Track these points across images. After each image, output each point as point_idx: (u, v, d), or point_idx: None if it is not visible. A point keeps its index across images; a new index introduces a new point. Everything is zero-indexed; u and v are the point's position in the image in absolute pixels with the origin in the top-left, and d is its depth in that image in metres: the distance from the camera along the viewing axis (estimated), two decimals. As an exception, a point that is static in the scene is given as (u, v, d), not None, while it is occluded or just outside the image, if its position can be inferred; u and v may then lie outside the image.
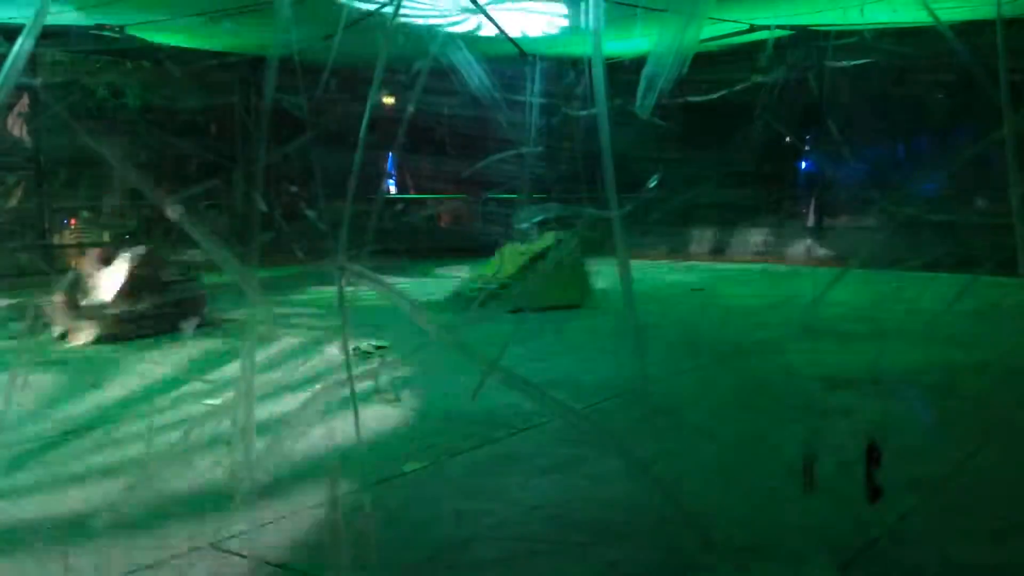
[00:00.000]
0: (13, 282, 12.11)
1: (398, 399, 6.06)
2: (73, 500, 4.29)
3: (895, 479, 3.93)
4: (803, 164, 16.75)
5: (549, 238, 11.07)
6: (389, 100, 15.38)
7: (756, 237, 16.46)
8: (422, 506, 4.19)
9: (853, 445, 4.07)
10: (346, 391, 3.12)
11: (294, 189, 15.19)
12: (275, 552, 3.65)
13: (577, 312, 10.03)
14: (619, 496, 4.23)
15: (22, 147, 14.18)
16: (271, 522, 3.95)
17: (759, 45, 13.55)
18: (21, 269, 13.29)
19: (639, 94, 4.28)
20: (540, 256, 10.53)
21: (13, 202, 14.65)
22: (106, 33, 12.53)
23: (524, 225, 12.55)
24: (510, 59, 14.46)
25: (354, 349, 7.10)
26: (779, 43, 13.56)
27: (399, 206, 18.68)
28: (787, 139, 15.73)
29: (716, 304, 11.29)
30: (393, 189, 19.38)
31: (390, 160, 18.40)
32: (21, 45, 2.69)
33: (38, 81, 13.79)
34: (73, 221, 15.65)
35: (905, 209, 10.68)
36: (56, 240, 14.92)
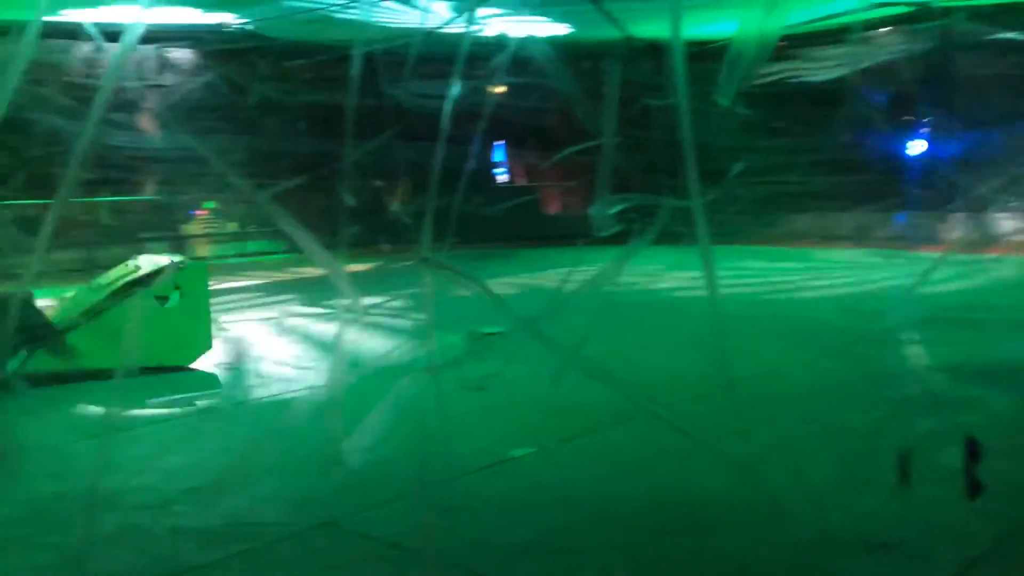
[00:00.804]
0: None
1: (482, 387, 6.07)
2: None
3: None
4: (910, 146, 16.00)
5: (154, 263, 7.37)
6: (500, 90, 15.23)
7: (855, 222, 15.85)
8: (528, 491, 4.19)
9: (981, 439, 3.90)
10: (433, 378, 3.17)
11: (379, 184, 15.40)
12: (386, 531, 3.70)
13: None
14: (719, 489, 4.09)
15: (151, 143, 14.78)
16: (383, 504, 4.01)
17: (850, 27, 13.10)
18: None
19: (721, 81, 4.20)
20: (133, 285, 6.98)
21: (148, 195, 15.33)
22: (233, 30, 12.75)
23: (602, 215, 12.09)
24: (586, 51, 14.35)
25: (468, 333, 7.07)
26: (879, 23, 13.07)
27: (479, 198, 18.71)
28: (889, 122, 15.13)
29: (825, 293, 10.83)
30: (505, 178, 19.36)
31: (501, 150, 18.44)
32: (124, 45, 2.78)
33: (152, 79, 14.27)
34: (201, 212, 16.14)
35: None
36: (186, 231, 15.56)
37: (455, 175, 3.55)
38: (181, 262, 7.21)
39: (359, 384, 5.47)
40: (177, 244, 14.97)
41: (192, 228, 16.02)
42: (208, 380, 6.96)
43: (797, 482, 4.16)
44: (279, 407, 5.85)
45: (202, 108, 15.02)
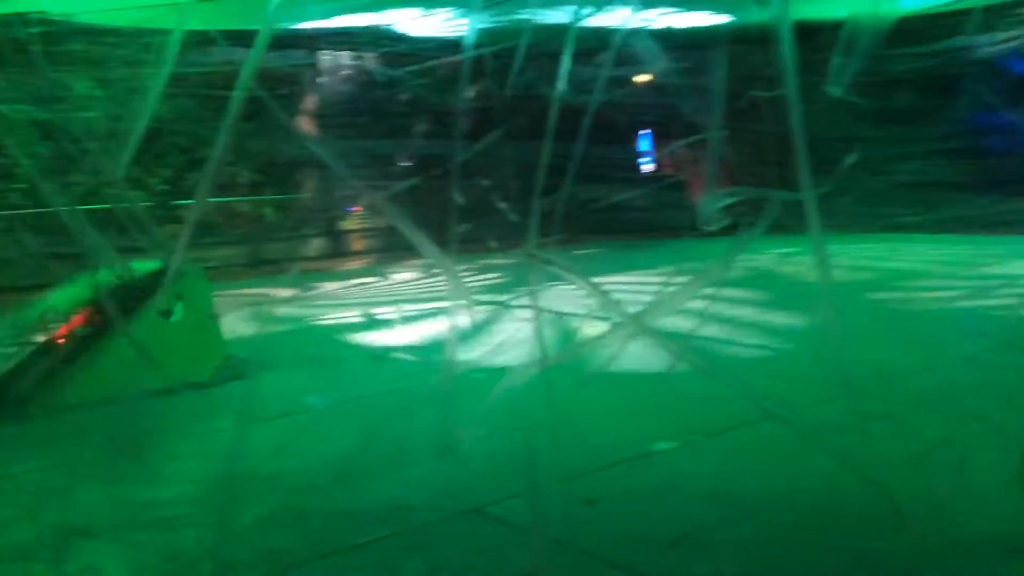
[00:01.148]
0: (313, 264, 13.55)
1: (586, 381, 6.07)
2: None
3: None
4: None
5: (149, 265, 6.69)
6: (645, 78, 15.05)
7: (977, 211, 15.07)
8: (672, 485, 4.18)
9: None
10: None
11: (487, 183, 15.48)
12: (529, 520, 3.71)
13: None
14: (870, 487, 3.93)
15: (313, 142, 15.42)
16: (524, 493, 4.00)
17: (965, 12, 12.52)
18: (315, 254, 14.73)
19: (832, 70, 4.08)
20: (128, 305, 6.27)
21: (306, 193, 16.01)
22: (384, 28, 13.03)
23: (710, 209, 11.84)
24: (695, 42, 14.09)
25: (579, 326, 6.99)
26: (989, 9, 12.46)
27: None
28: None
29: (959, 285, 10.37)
30: (651, 167, 19.23)
31: (648, 139, 18.33)
32: (255, 49, 2.90)
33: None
34: (357, 208, 16.67)
35: None
36: (343, 227, 16.18)
37: (593, 168, 3.55)
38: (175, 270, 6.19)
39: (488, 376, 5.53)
40: (334, 239, 15.63)
41: (348, 223, 16.52)
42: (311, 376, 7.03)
43: (958, 482, 4.00)
44: (412, 397, 5.94)
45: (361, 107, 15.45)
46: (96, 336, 6.26)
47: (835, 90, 4.26)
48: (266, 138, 12.47)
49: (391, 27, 13.42)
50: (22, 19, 9.79)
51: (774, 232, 3.90)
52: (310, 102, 16.06)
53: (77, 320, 6.43)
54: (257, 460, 4.74)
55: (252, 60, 3.66)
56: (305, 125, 15.79)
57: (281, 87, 14.59)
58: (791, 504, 3.92)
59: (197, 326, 6.60)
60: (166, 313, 6.43)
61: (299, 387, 6.58)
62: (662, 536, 3.61)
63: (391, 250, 15.15)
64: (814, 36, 8.34)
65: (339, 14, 12.51)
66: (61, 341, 6.37)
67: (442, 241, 3.37)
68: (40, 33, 9.96)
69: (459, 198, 4.03)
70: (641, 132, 18.50)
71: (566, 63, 3.81)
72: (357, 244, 16.22)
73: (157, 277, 6.32)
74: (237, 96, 3.63)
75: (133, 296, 6.26)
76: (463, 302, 3.33)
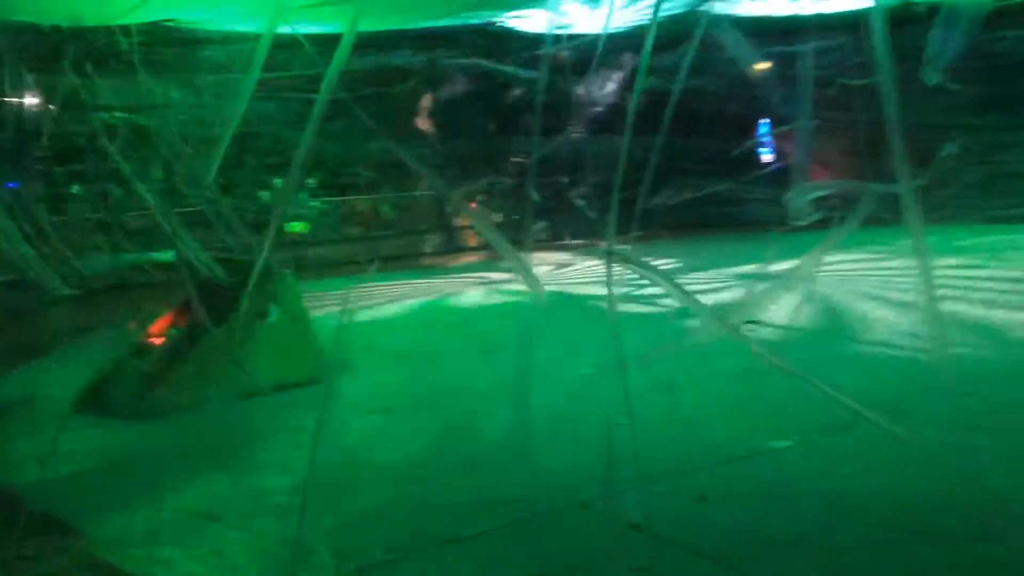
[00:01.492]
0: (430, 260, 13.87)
1: (646, 362, 5.91)
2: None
3: None
4: None
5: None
6: (764, 66, 14.71)
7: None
8: (787, 484, 4.05)
9: None
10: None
11: (564, 180, 15.41)
12: (638, 515, 3.68)
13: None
14: (992, 493, 3.72)
15: (427, 141, 15.72)
16: (635, 488, 3.96)
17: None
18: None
19: (927, 57, 3.83)
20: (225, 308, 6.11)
21: (419, 191, 16.28)
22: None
23: (799, 202, 11.31)
24: (780, 33, 13.68)
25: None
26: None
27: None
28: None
29: None
30: (770, 158, 18.78)
31: (766, 129, 17.98)
32: (338, 55, 2.86)
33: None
34: (473, 205, 16.85)
35: None
36: (456, 223, 16.41)
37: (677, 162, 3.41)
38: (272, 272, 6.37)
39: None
40: (449, 235, 15.87)
41: (463, 220, 16.66)
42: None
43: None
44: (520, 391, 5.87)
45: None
46: (191, 337, 6.29)
47: (932, 77, 3.98)
48: (347, 140, 12.64)
49: (497, 25, 13.35)
50: (124, 29, 10.11)
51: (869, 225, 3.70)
52: (420, 101, 16.21)
53: (171, 321, 6.56)
54: (366, 452, 4.87)
55: (336, 63, 3.64)
56: (418, 124, 15.98)
57: (387, 87, 14.69)
58: (911, 506, 3.73)
59: (291, 326, 6.57)
60: (261, 315, 6.39)
61: (403, 381, 6.66)
62: (776, 536, 3.49)
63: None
64: (910, 21, 7.94)
65: (444, 14, 12.53)
66: (157, 342, 6.49)
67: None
68: (140, 43, 10.27)
69: (535, 195, 3.92)
70: (761, 120, 17.93)
71: (646, 56, 3.66)
72: (472, 240, 16.32)
73: (244, 278, 5.94)
74: (320, 100, 3.61)
75: (223, 296, 6.19)
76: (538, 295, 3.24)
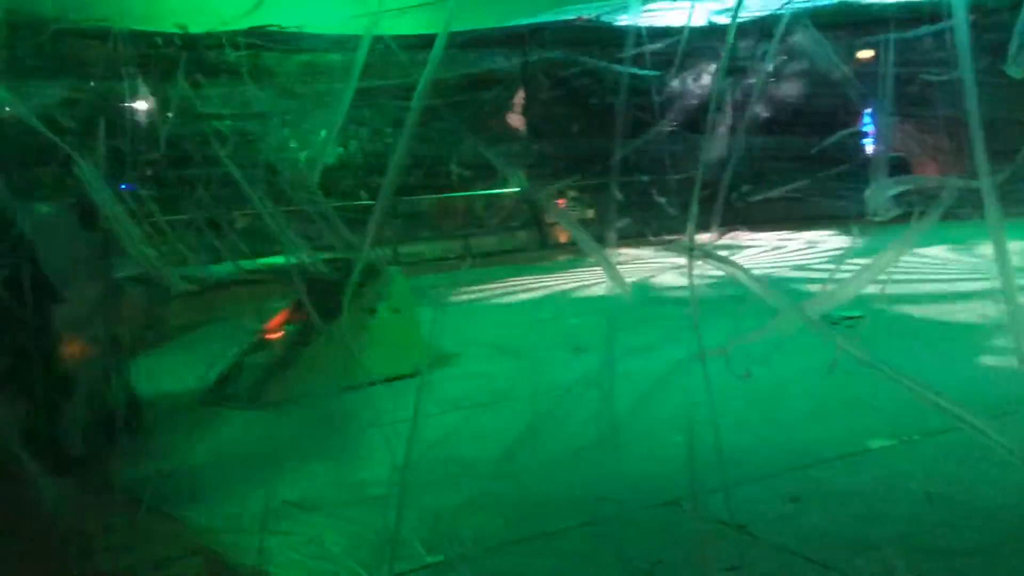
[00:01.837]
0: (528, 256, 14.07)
1: (748, 374, 5.87)
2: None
3: None
4: None
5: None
6: (868, 54, 14.33)
7: None
8: (884, 485, 3.97)
9: None
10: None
11: (645, 178, 15.34)
12: (729, 515, 3.62)
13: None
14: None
15: (520, 138, 15.94)
16: (726, 487, 3.89)
17: None
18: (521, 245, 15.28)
19: (1012, 49, 3.76)
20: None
21: (512, 187, 16.50)
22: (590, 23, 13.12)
23: (879, 197, 10.96)
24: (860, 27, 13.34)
25: (822, 317, 6.73)
26: None
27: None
28: None
29: None
30: (877, 148, 18.37)
31: (872, 119, 17.59)
32: (359, 54, 3.01)
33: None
34: (561, 201, 17.00)
35: None
36: (547, 220, 16.55)
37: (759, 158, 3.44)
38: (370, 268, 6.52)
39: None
40: (540, 232, 15.99)
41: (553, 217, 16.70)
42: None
43: None
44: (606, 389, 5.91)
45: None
46: (305, 332, 6.54)
47: (1015, 71, 3.92)
48: (443, 141, 12.83)
49: (586, 20, 13.31)
50: (232, 41, 10.53)
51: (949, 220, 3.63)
52: (513, 100, 16.27)
53: (286, 318, 6.84)
54: (456, 445, 4.91)
55: (430, 66, 3.76)
56: (515, 123, 16.08)
57: (481, 90, 14.81)
58: (1017, 512, 3.58)
59: (398, 321, 6.75)
60: (372, 311, 6.60)
61: (493, 375, 6.76)
62: (872, 537, 3.41)
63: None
64: (991, 14, 7.69)
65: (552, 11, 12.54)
66: (274, 337, 6.76)
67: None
68: (248, 54, 10.67)
69: (618, 194, 4.00)
70: (866, 110, 17.39)
71: (726, 55, 3.70)
72: (563, 236, 16.30)
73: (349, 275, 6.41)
74: (414, 107, 3.75)
75: (331, 293, 6.30)
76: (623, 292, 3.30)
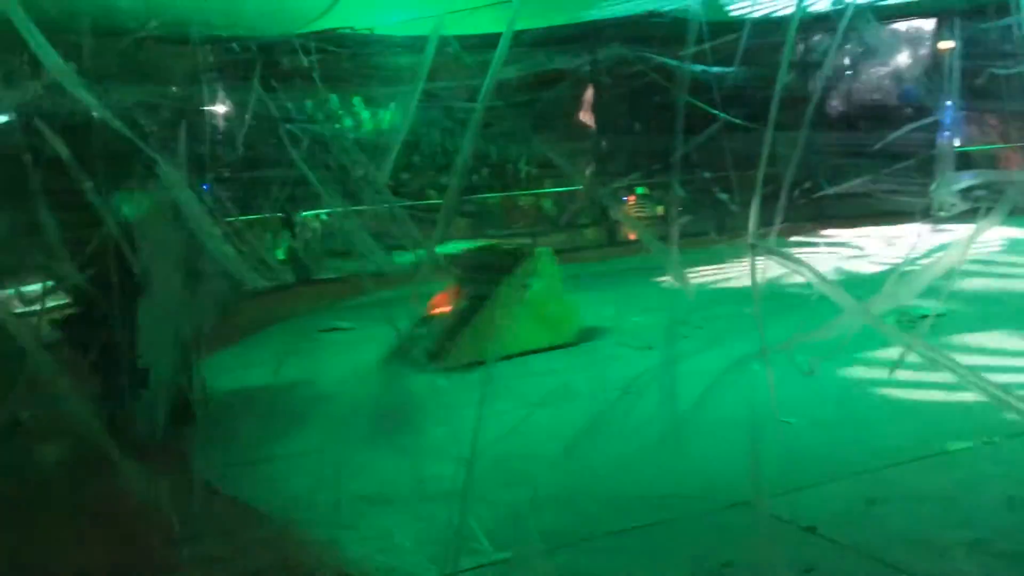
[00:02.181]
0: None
1: (812, 371, 5.74)
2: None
3: None
4: None
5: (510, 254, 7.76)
6: (949, 45, 13.89)
7: None
8: (966, 487, 3.84)
9: None
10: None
11: (707, 175, 15.05)
12: (802, 516, 3.58)
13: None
14: None
15: (590, 135, 15.94)
16: (801, 488, 3.88)
17: None
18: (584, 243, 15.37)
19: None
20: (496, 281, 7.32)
21: (583, 184, 16.51)
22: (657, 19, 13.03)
23: (944, 194, 10.61)
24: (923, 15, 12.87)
25: (901, 315, 6.35)
26: None
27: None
28: None
29: None
30: (956, 142, 17.90)
31: (948, 112, 17.13)
32: (427, 53, 3.00)
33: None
34: (631, 198, 16.90)
35: None
36: (616, 216, 16.50)
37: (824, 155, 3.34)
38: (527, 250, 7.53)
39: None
40: (608, 229, 15.99)
41: (622, 213, 16.61)
42: None
43: None
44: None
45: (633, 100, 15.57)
46: (469, 308, 7.32)
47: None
48: (512, 139, 12.80)
49: (652, 14, 13.10)
50: (303, 46, 10.70)
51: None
52: (588, 98, 16.17)
53: (448, 296, 7.47)
54: (524, 440, 4.89)
55: (493, 67, 3.75)
56: (584, 120, 16.00)
57: (549, 87, 14.69)
58: None
59: (550, 298, 7.41)
60: (524, 287, 7.31)
61: (564, 372, 6.67)
62: (948, 541, 3.28)
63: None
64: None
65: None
66: (439, 312, 7.48)
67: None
68: (319, 58, 10.84)
69: (680, 190, 3.93)
70: (946, 103, 16.79)
71: (788, 50, 3.61)
72: (632, 234, 16.19)
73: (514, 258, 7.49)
74: (479, 108, 3.74)
75: (494, 273, 7.38)
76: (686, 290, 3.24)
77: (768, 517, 3.37)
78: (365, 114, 14.01)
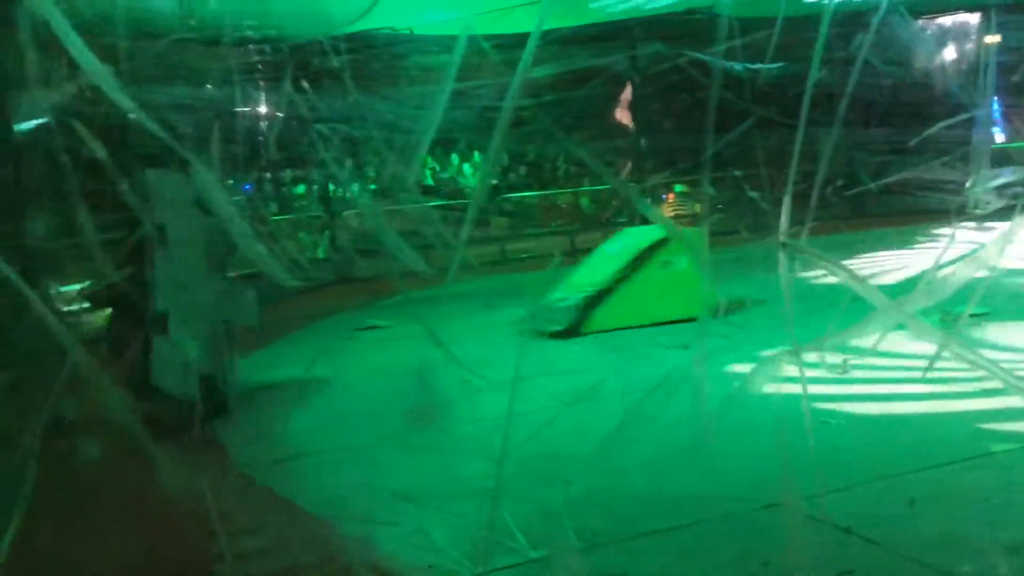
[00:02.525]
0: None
1: (846, 370, 5.67)
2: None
3: None
4: None
5: (652, 234, 8.38)
6: (995, 39, 13.63)
7: None
8: (1010, 489, 3.73)
9: None
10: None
11: (738, 173, 14.88)
12: (841, 517, 3.52)
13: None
14: None
15: (627, 133, 15.87)
16: (839, 490, 3.80)
17: None
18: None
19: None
20: (642, 258, 8.21)
21: (617, 183, 16.40)
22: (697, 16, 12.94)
23: (980, 190, 10.34)
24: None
25: (944, 314, 6.15)
26: None
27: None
28: None
29: None
30: (1001, 137, 17.56)
31: (995, 107, 16.80)
32: (456, 54, 2.99)
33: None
34: (670, 196, 16.66)
35: None
36: (647, 214, 16.34)
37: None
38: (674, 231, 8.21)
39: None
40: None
41: (662, 210, 16.43)
42: None
43: None
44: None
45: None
46: (616, 280, 8.17)
47: None
48: (549, 137, 12.74)
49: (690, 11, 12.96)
50: (335, 48, 10.77)
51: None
52: (625, 96, 16.02)
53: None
54: (553, 441, 4.83)
55: (522, 66, 3.74)
56: (621, 118, 15.89)
57: (589, 84, 14.58)
58: None
59: (691, 274, 7.49)
60: (668, 264, 8.03)
61: (594, 372, 6.60)
62: (992, 543, 3.19)
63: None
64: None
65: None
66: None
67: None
68: (350, 59, 10.90)
69: (711, 189, 3.90)
70: (995, 97, 16.37)
71: (820, 46, 3.56)
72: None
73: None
74: (506, 107, 3.73)
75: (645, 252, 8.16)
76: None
77: (805, 517, 3.31)
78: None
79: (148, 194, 5.44)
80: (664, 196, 16.14)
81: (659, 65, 14.47)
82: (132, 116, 3.60)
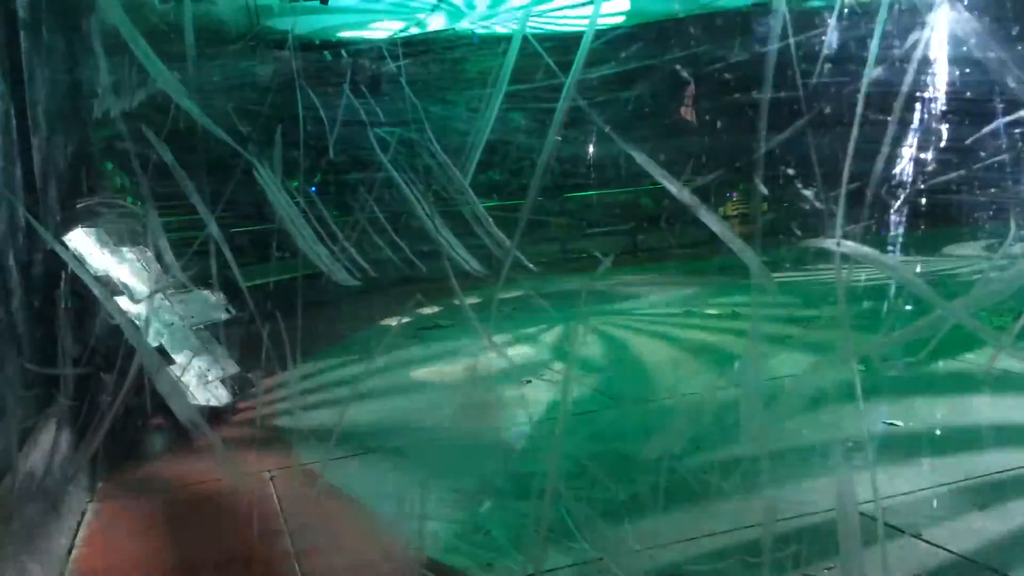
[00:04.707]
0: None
1: (902, 371, 5.50)
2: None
3: None
4: None
5: None
6: None
7: None
8: None
9: None
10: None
11: (790, 171, 14.56)
12: (911, 521, 3.43)
13: None
14: None
15: (694, 130, 15.77)
16: (898, 495, 3.71)
17: None
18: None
19: None
20: None
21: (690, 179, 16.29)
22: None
23: None
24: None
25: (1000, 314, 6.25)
26: None
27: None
28: None
29: None
30: None
31: None
32: (509, 56, 2.96)
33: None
34: (735, 195, 16.42)
35: None
36: (721, 212, 16.19)
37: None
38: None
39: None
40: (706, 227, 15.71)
41: (727, 209, 16.26)
42: None
43: None
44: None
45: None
46: None
47: None
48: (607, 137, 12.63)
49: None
50: (392, 53, 10.86)
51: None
52: (686, 95, 15.89)
53: None
54: (604, 440, 4.79)
55: (575, 66, 3.71)
56: (686, 116, 15.74)
57: (646, 83, 14.43)
58: None
59: None
60: None
61: (646, 374, 6.57)
62: None
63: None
64: None
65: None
66: None
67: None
68: (406, 63, 10.98)
69: (763, 188, 3.82)
70: None
71: (876, 43, 3.46)
72: (738, 229, 15.69)
73: None
74: (560, 108, 3.70)
75: None
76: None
77: (874, 522, 3.20)
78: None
79: None
80: (730, 194, 15.86)
81: (713, 65, 14.28)
82: (199, 122, 3.67)
